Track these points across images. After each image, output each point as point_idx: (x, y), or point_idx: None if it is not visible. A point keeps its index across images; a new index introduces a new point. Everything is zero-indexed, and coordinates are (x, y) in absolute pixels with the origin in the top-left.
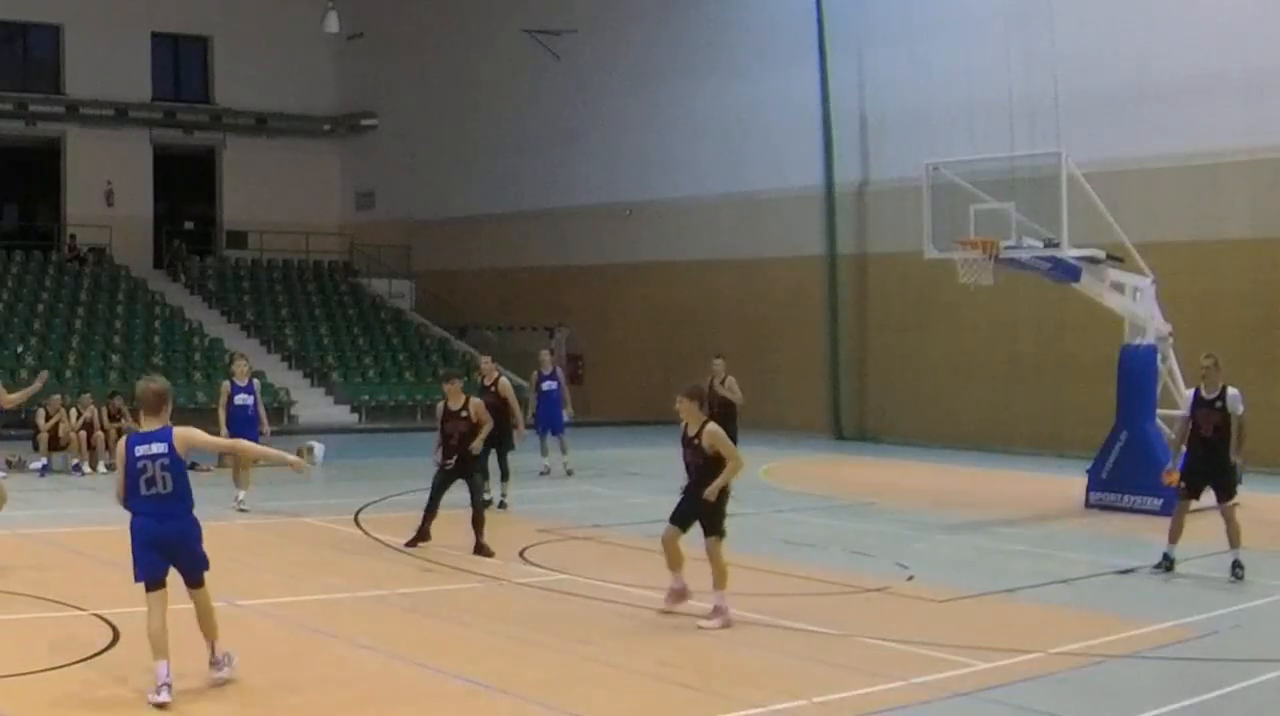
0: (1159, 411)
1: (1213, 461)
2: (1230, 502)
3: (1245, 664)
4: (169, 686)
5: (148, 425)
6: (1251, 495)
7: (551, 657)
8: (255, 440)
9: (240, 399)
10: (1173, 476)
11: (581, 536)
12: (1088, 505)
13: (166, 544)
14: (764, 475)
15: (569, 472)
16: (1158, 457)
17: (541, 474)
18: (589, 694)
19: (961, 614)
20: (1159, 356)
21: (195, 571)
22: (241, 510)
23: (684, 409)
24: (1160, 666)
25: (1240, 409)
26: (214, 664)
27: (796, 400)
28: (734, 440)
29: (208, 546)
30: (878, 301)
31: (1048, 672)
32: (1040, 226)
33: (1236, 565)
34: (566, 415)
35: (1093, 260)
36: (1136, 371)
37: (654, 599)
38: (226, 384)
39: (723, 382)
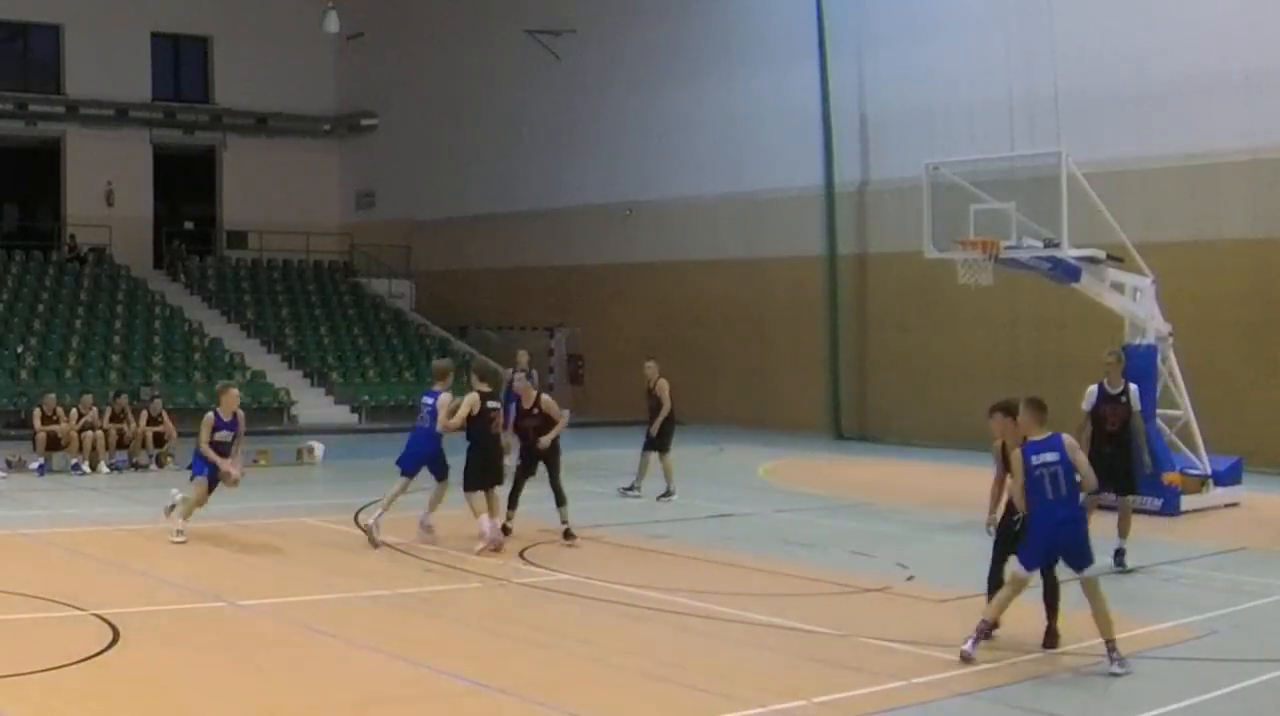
0: (1159, 411)
1: (1119, 456)
2: (1128, 496)
3: (1245, 664)
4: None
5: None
6: (1252, 495)
7: (551, 657)
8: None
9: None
10: (1175, 477)
11: (582, 536)
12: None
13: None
14: (764, 475)
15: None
16: (1158, 457)
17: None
18: (589, 694)
19: (961, 614)
20: (1159, 356)
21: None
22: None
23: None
24: (1160, 666)
25: (1138, 407)
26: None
27: (796, 400)
28: (668, 441)
29: (206, 546)
30: (878, 301)
31: (1048, 672)
32: (1040, 226)
33: (1120, 554)
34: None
35: (1093, 260)
36: (1136, 371)
37: (654, 599)
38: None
39: (654, 386)
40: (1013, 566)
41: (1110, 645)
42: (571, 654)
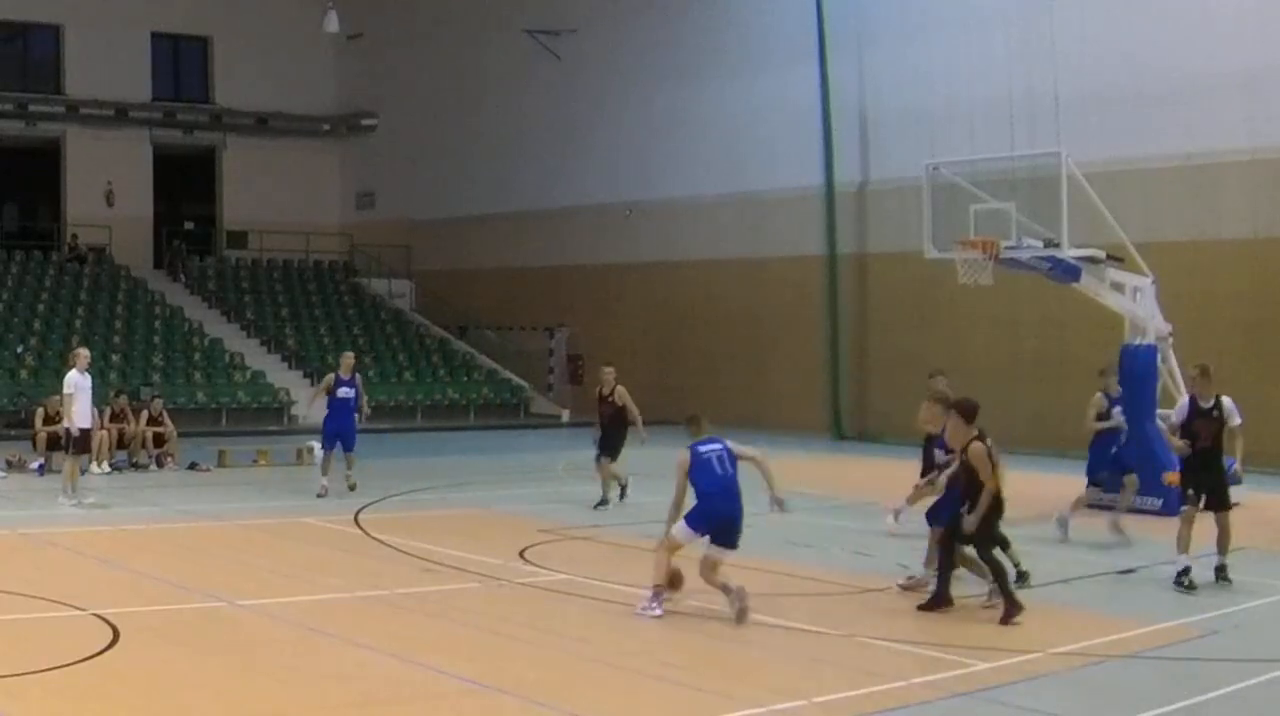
0: (1158, 411)
1: (1211, 470)
2: (1226, 511)
3: (1245, 664)
4: None
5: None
6: (1252, 495)
7: (551, 657)
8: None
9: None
10: (1174, 477)
11: (581, 536)
12: (1088, 505)
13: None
14: None
15: (352, 487)
16: (1158, 457)
17: (319, 496)
18: (589, 694)
19: (961, 614)
20: (1159, 356)
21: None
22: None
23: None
24: (1160, 666)
25: (1238, 420)
26: None
27: (796, 400)
28: (619, 447)
29: (205, 546)
30: (878, 301)
31: (1048, 672)
32: (1040, 226)
33: (1221, 570)
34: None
35: (1093, 260)
36: (1136, 371)
37: None
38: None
39: (612, 392)
40: None
41: None
42: (571, 654)
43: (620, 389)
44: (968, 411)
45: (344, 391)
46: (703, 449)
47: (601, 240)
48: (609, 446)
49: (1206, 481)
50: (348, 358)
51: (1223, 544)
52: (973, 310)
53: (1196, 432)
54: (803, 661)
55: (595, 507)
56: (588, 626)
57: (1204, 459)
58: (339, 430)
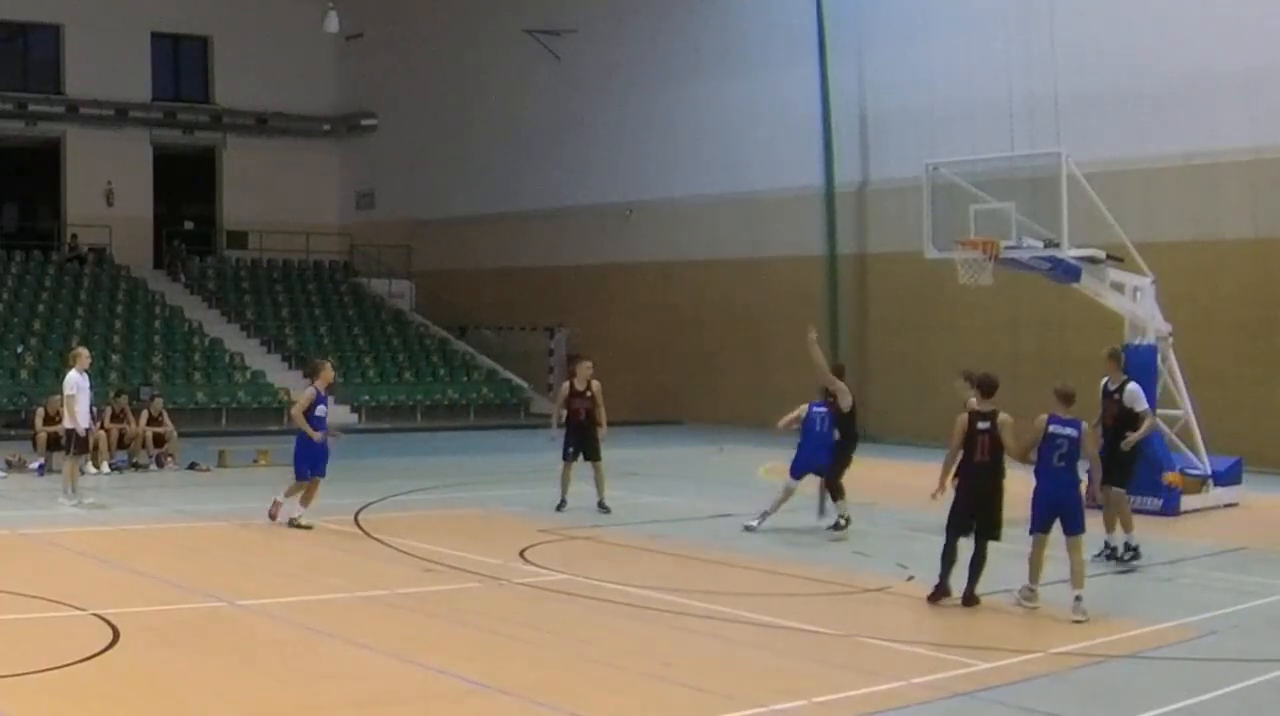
0: (1159, 411)
1: (1109, 449)
2: (1115, 487)
3: (1245, 664)
4: None
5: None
6: (1252, 495)
7: (551, 657)
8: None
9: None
10: (1172, 477)
11: (581, 536)
12: (1088, 505)
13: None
14: (764, 475)
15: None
16: (1158, 458)
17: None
18: (589, 694)
19: (961, 614)
20: (1159, 356)
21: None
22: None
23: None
24: (1160, 666)
25: (1140, 406)
26: None
27: (796, 400)
28: (597, 447)
29: (205, 546)
30: (878, 301)
31: (1048, 672)
32: (1040, 226)
33: (1108, 549)
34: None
35: (1093, 260)
36: (1136, 371)
37: (654, 599)
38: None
39: (588, 387)
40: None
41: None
42: (571, 654)
43: (596, 384)
44: (985, 387)
45: (322, 410)
46: (813, 408)
47: (601, 240)
48: (586, 446)
49: (1108, 459)
50: (328, 371)
51: (1107, 519)
52: (973, 310)
53: (1103, 412)
54: (803, 661)
55: (558, 508)
56: (588, 626)
57: (1107, 438)
58: (322, 455)
